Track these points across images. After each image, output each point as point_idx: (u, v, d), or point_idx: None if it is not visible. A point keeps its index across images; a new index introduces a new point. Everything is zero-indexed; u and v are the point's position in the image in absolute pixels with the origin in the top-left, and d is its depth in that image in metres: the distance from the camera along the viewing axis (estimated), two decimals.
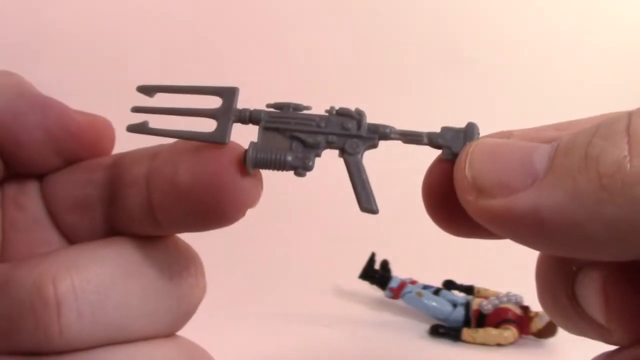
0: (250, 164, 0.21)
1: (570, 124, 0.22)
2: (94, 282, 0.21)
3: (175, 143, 0.23)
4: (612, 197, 0.16)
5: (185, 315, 0.24)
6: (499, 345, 0.58)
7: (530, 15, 0.99)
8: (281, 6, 0.93)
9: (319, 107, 0.22)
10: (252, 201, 0.22)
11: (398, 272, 0.65)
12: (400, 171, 0.63)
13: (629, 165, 0.16)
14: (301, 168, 0.21)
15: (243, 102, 0.22)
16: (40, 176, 0.25)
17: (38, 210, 0.25)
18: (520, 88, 0.96)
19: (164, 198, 0.22)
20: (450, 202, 0.20)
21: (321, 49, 0.92)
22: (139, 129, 0.22)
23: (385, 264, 0.66)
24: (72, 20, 0.84)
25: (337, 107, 0.22)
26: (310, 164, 0.21)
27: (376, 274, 0.64)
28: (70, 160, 0.24)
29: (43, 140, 0.23)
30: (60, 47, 0.83)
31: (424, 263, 0.69)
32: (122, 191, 0.23)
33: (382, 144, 0.22)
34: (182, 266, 0.24)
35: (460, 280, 0.65)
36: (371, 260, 0.65)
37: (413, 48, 0.96)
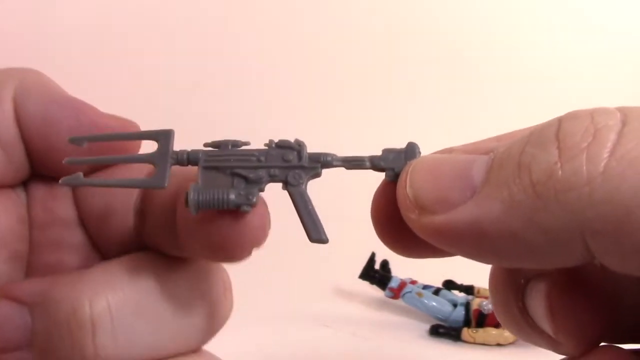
0: (193, 206, 0.20)
1: (510, 134, 0.21)
2: (129, 303, 0.22)
3: None
4: (546, 205, 0.16)
5: (214, 331, 0.24)
6: (499, 345, 0.58)
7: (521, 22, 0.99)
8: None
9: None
10: (257, 241, 0.21)
11: (398, 272, 0.65)
12: None
13: (560, 171, 0.16)
14: (245, 205, 0.21)
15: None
16: None
17: (68, 213, 0.25)
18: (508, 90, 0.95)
19: (181, 224, 0.22)
20: (399, 224, 0.20)
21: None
22: (74, 181, 0.22)
23: (385, 264, 0.65)
24: (79, 19, 0.84)
25: (275, 140, 0.22)
26: (254, 199, 0.21)
27: (376, 274, 0.64)
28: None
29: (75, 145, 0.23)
30: (70, 45, 0.83)
31: (424, 263, 0.68)
32: (151, 206, 0.23)
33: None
34: (212, 284, 0.24)
35: (460, 280, 0.64)
36: (371, 260, 0.64)
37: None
